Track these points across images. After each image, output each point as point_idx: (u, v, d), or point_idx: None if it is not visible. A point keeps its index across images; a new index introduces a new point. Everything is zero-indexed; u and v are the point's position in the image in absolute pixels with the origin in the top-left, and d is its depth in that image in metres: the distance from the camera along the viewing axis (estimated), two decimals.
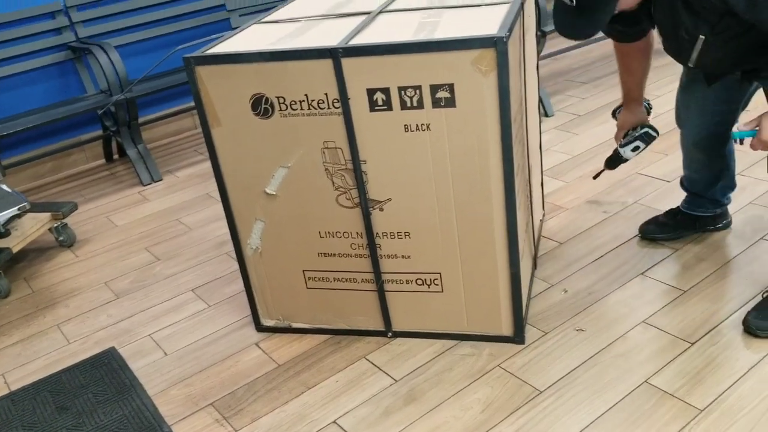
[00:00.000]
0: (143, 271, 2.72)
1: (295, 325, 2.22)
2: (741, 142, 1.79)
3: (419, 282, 2.03)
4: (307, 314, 2.20)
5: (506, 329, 2.03)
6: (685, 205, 2.42)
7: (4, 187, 2.70)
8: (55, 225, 2.92)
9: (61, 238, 2.96)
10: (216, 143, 1.98)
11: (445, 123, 1.78)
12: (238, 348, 2.19)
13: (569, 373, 1.89)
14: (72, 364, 2.21)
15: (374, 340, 2.13)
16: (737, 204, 2.54)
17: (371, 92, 1.78)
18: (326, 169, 1.93)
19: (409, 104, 1.78)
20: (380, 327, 2.14)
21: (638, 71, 2.20)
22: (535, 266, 2.37)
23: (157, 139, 4.04)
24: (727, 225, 2.44)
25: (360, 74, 1.77)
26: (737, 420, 1.68)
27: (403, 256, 2.01)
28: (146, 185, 3.50)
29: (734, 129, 1.78)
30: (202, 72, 1.88)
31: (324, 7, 2.23)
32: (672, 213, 2.47)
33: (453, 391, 1.89)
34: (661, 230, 2.44)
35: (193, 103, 4.00)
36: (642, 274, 2.27)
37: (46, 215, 2.88)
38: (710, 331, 1.97)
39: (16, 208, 2.54)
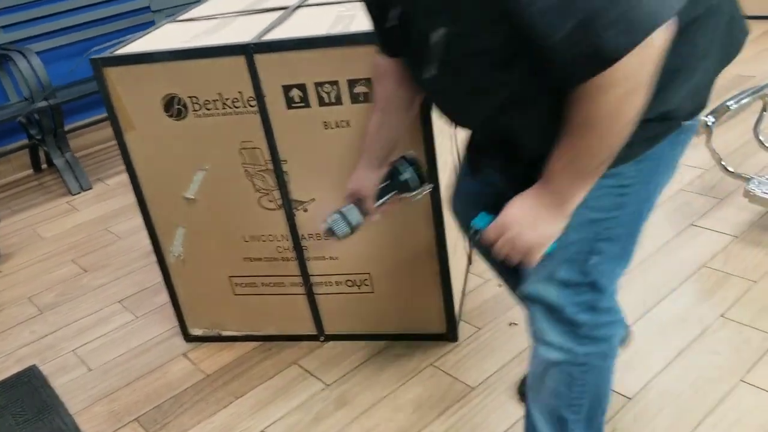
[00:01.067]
0: (69, 283, 2.61)
1: (224, 333, 2.15)
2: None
3: (349, 283, 1.98)
4: (236, 321, 2.13)
5: (439, 327, 1.99)
6: None
7: None
8: None
9: None
10: (130, 148, 1.90)
11: (365, 119, 1.73)
12: (165, 359, 2.11)
13: (502, 368, 1.87)
14: None
15: (306, 345, 2.07)
16: (668, 191, 2.55)
17: (287, 89, 1.73)
18: (246, 171, 1.87)
19: (327, 100, 1.72)
20: (312, 331, 2.08)
21: (390, 107, 1.40)
22: (470, 262, 2.34)
23: (87, 146, 3.90)
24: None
25: (274, 71, 1.71)
26: (665, 407, 1.67)
27: (330, 258, 1.95)
28: (75, 194, 3.38)
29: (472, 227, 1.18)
30: (111, 73, 1.79)
31: (242, 4, 2.17)
32: None
33: (385, 392, 1.84)
34: None
35: None
36: None
37: None
38: (641, 317, 1.97)
39: None
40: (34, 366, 2.16)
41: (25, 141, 3.64)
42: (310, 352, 2.04)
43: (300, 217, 1.90)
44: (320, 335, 2.08)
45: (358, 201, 1.46)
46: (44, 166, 3.77)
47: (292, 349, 2.07)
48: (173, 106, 1.81)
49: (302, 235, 1.93)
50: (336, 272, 1.97)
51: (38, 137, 3.48)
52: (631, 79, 0.93)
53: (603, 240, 1.20)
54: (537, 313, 1.27)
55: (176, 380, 2.02)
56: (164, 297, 2.40)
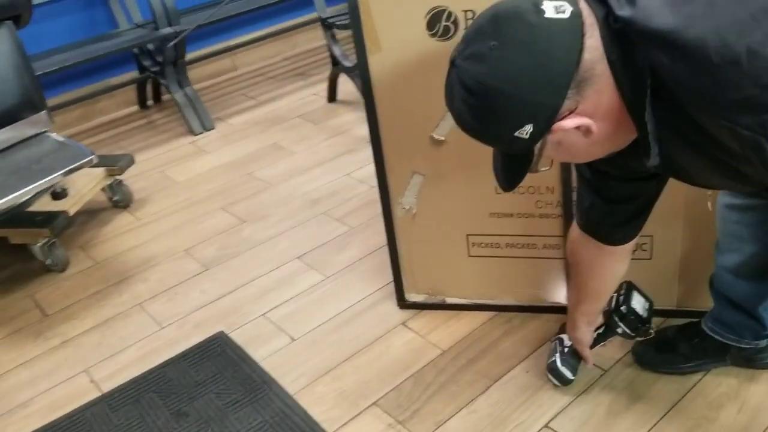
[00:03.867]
0: (229, 235, 2.27)
1: (449, 300, 1.82)
2: None
3: None
4: (465, 287, 1.80)
5: None
6: (710, 323, 1.52)
7: (57, 136, 2.22)
8: (109, 182, 2.45)
9: (116, 198, 2.49)
10: (373, 73, 1.54)
11: None
12: (382, 330, 1.79)
13: None
14: (175, 356, 1.78)
15: (553, 318, 1.73)
16: None
17: None
18: None
19: None
20: (560, 301, 1.74)
21: (590, 295, 1.43)
22: None
23: (195, 82, 3.53)
24: None
25: None
26: None
27: None
28: (197, 135, 3.02)
29: None
30: None
31: None
32: (688, 332, 1.56)
33: (688, 384, 1.51)
34: (668, 361, 1.55)
35: (235, 42, 3.51)
36: None
37: (100, 170, 2.40)
38: None
39: (83, 161, 2.06)
40: (221, 333, 1.85)
41: (135, 74, 3.27)
42: (562, 325, 1.70)
43: None
44: None
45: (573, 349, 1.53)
46: (150, 102, 3.41)
47: (536, 321, 1.74)
48: (440, 23, 1.45)
49: (574, 187, 1.57)
50: None
51: (154, 69, 3.11)
52: None
53: None
54: None
55: (406, 356, 1.69)
56: (350, 254, 2.08)
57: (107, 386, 1.72)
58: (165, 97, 3.38)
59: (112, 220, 2.46)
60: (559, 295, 1.74)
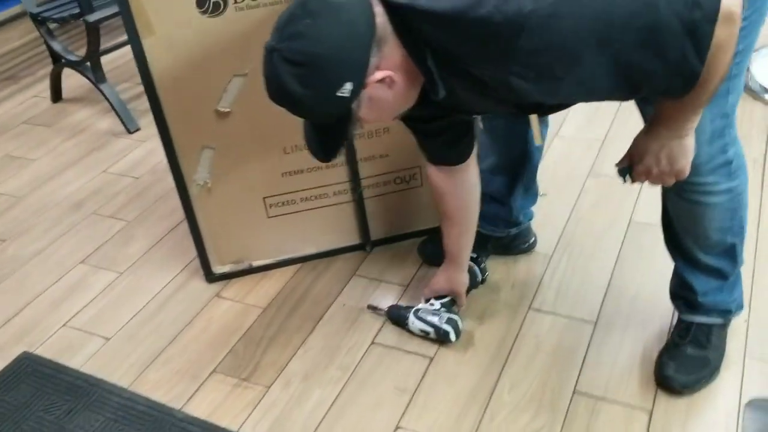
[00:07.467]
0: None
1: (256, 263, 1.92)
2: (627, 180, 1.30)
3: (398, 181, 1.88)
4: (268, 248, 1.91)
5: None
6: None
7: None
8: None
9: None
10: (149, 58, 1.57)
11: None
12: (197, 306, 1.83)
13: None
14: None
15: (353, 257, 1.93)
16: None
17: None
18: None
19: None
20: (356, 241, 1.94)
21: (463, 219, 1.60)
22: None
23: None
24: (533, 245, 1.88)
25: None
26: None
27: (381, 156, 1.83)
28: None
29: (617, 166, 1.30)
30: None
31: None
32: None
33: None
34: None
35: None
36: None
37: None
38: None
39: None
40: (25, 353, 1.74)
41: None
42: (363, 261, 1.91)
43: None
44: (366, 244, 1.95)
45: (452, 299, 1.67)
46: None
47: (337, 262, 1.92)
48: (209, 0, 1.53)
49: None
50: (385, 171, 1.86)
51: None
52: (727, 50, 1.02)
53: (735, 76, 1.25)
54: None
55: (230, 322, 1.77)
56: (137, 247, 2.09)
57: None
58: None
59: None
60: (352, 235, 1.93)
